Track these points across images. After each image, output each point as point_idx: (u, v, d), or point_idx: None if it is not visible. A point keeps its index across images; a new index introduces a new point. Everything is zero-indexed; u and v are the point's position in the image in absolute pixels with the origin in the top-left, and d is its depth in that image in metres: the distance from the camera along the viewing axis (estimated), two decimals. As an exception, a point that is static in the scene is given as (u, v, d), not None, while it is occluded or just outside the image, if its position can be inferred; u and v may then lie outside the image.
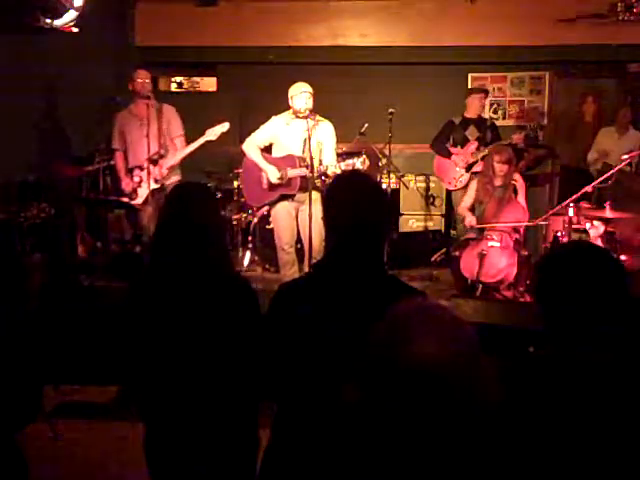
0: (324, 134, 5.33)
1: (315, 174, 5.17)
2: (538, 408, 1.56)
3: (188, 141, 5.77)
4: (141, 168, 5.76)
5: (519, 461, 1.51)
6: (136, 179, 5.79)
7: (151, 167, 5.65)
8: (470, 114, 6.66)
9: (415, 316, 1.17)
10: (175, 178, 5.74)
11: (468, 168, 6.54)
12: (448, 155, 6.62)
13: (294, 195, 5.28)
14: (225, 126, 5.57)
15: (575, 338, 1.62)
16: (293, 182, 5.24)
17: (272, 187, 5.35)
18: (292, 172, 5.22)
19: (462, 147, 6.61)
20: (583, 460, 1.53)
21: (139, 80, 5.71)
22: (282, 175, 5.25)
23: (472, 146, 6.56)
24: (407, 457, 1.09)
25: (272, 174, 5.27)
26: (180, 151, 5.72)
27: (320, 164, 5.26)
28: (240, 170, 6.86)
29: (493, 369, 1.17)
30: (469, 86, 8.22)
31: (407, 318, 1.17)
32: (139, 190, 5.79)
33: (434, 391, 1.08)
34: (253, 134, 5.49)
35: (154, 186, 5.67)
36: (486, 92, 6.89)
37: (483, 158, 6.31)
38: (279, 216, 5.44)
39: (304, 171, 5.14)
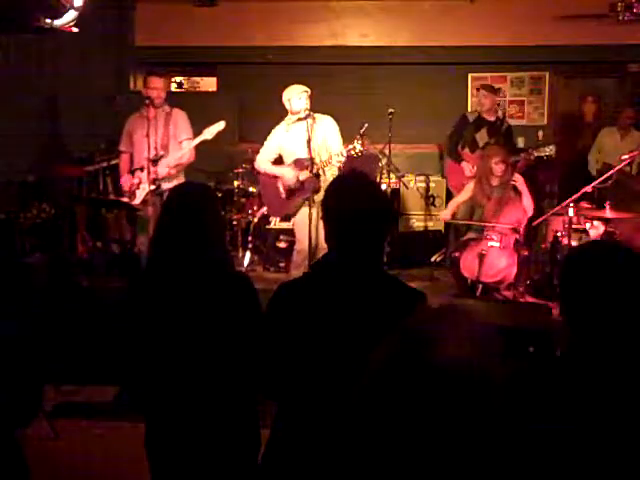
0: (326, 129, 5.30)
1: (322, 167, 5.17)
2: (560, 411, 1.55)
3: None
4: (142, 169, 5.76)
5: (542, 462, 1.51)
6: (135, 180, 5.79)
7: (151, 169, 5.65)
8: (484, 114, 6.57)
9: (439, 318, 1.18)
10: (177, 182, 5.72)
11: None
12: (458, 160, 6.58)
13: (312, 199, 5.26)
14: (221, 124, 5.57)
15: (599, 339, 1.59)
16: (306, 185, 5.22)
17: (290, 195, 5.37)
18: (303, 175, 5.22)
19: (471, 151, 6.53)
20: (609, 464, 1.51)
21: (151, 87, 5.72)
22: (297, 175, 5.26)
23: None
24: (419, 459, 1.09)
25: (288, 175, 5.29)
26: (179, 151, 5.71)
27: (330, 160, 5.25)
28: (239, 170, 6.91)
29: (508, 369, 1.18)
30: (469, 86, 8.23)
31: (430, 319, 1.18)
32: (137, 192, 5.79)
33: (461, 395, 1.08)
34: (260, 153, 5.52)
35: (152, 187, 5.68)
36: (491, 90, 6.72)
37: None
38: (299, 222, 5.41)
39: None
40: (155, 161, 5.60)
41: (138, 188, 5.78)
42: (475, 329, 1.16)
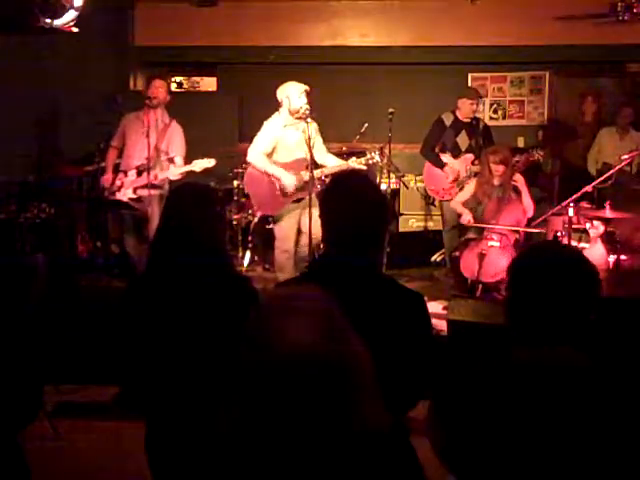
0: (314, 133, 5.31)
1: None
2: (515, 413, 1.56)
3: (190, 144, 5.78)
4: (125, 174, 5.78)
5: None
6: (117, 182, 5.80)
7: (135, 176, 5.67)
8: (462, 116, 6.39)
9: (274, 306, 1.20)
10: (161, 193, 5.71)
11: (458, 182, 6.34)
12: (440, 165, 6.39)
13: (303, 198, 5.26)
14: (211, 162, 5.56)
15: (544, 340, 1.60)
16: (308, 184, 5.17)
17: (286, 193, 5.31)
18: (306, 175, 5.17)
19: (453, 155, 6.40)
20: (554, 465, 1.52)
21: (153, 89, 5.73)
22: (298, 180, 5.24)
23: (467, 161, 6.33)
24: (292, 449, 1.10)
25: (289, 180, 5.24)
26: (166, 171, 5.68)
27: (316, 164, 5.26)
28: (239, 170, 6.91)
29: (362, 344, 1.18)
30: (469, 86, 8.21)
31: (267, 310, 1.20)
32: (117, 194, 5.80)
33: (305, 377, 1.10)
34: (254, 145, 5.36)
35: (131, 196, 5.71)
36: (479, 97, 6.57)
37: (476, 175, 6.16)
38: (284, 221, 5.38)
39: (318, 173, 5.16)
40: (140, 172, 5.62)
41: (119, 191, 5.79)
42: (316, 310, 1.18)
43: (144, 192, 5.63)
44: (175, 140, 5.78)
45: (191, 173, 5.57)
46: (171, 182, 5.68)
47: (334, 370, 1.11)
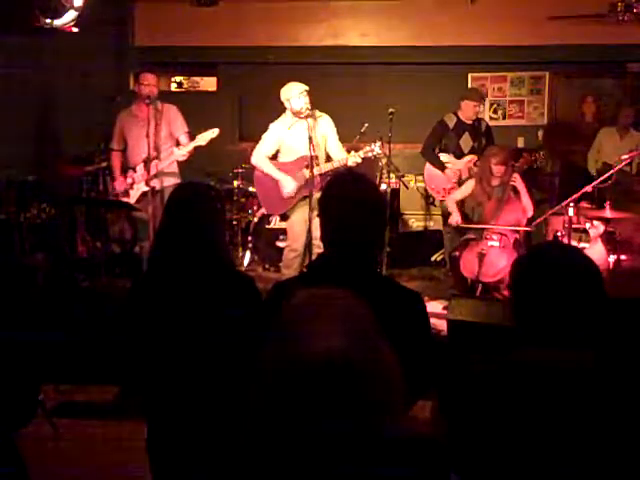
0: (325, 128, 5.34)
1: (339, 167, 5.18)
2: (520, 412, 1.55)
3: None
4: (134, 170, 5.76)
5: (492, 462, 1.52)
6: (129, 180, 5.78)
7: (143, 169, 5.66)
8: (465, 118, 6.39)
9: (305, 309, 1.18)
10: (173, 181, 5.69)
11: (460, 182, 6.34)
12: (441, 167, 6.41)
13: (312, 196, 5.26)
14: (215, 131, 5.55)
15: (551, 340, 1.60)
16: (309, 183, 5.16)
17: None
18: (307, 173, 5.18)
19: (456, 157, 6.41)
20: (567, 464, 1.52)
21: (145, 84, 5.68)
22: (301, 179, 5.24)
23: (469, 162, 6.33)
24: (317, 451, 1.09)
25: (288, 185, 5.28)
26: (171, 155, 5.66)
27: (328, 159, 5.30)
28: (239, 170, 6.92)
29: (392, 351, 1.17)
30: (469, 86, 8.21)
31: (297, 314, 1.17)
32: (131, 192, 5.78)
33: (335, 383, 1.08)
34: (258, 147, 5.45)
35: (144, 188, 5.68)
36: (482, 99, 6.56)
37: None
38: (296, 221, 5.40)
39: (318, 170, 5.17)
40: (147, 163, 5.60)
41: (132, 188, 5.78)
42: (348, 315, 1.16)
43: (156, 183, 5.62)
44: (174, 120, 5.76)
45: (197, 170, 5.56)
46: (180, 166, 5.70)
47: (363, 376, 1.09)
